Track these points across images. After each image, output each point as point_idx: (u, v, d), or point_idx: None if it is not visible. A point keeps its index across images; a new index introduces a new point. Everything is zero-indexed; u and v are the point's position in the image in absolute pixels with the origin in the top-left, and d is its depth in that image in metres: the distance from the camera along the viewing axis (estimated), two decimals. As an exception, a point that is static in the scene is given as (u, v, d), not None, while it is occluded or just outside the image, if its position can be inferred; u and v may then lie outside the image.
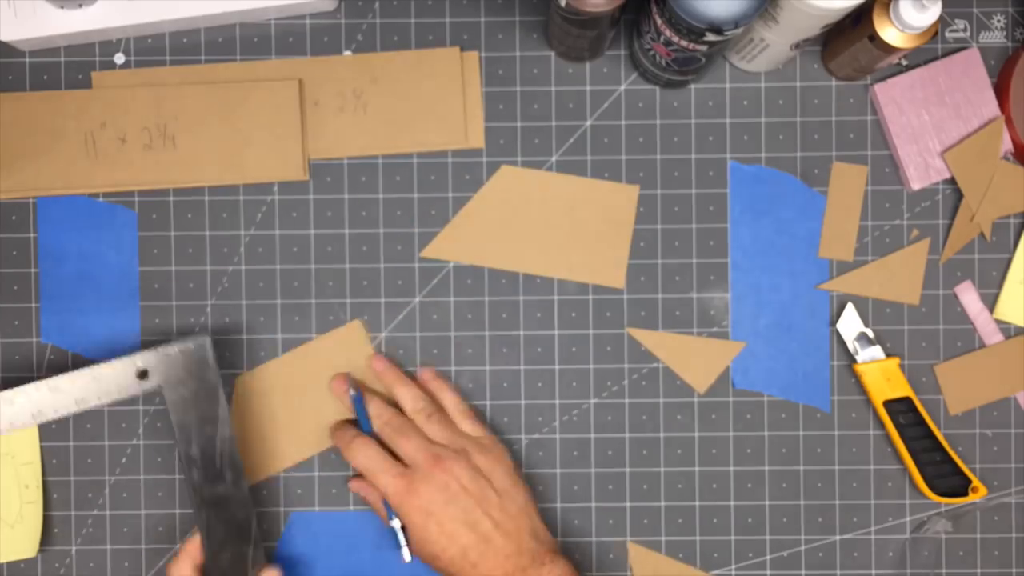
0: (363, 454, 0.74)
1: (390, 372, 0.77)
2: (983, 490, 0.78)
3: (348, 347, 0.79)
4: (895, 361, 0.78)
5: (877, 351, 0.78)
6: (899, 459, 0.79)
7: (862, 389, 0.79)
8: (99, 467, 0.79)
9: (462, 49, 0.79)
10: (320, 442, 0.79)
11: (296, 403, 0.79)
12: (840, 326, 0.78)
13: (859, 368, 0.78)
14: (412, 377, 0.78)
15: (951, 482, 0.77)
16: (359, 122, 0.79)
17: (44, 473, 0.79)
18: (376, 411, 0.76)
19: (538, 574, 0.71)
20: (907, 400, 0.77)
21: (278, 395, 0.79)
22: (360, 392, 0.76)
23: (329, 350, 0.79)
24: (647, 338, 0.79)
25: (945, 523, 0.78)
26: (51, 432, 0.79)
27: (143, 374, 0.73)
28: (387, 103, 0.79)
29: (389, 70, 0.79)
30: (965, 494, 0.77)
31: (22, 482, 0.78)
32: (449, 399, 0.77)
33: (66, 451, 0.79)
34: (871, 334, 0.78)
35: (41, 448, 0.79)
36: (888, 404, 0.77)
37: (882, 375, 0.77)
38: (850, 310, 0.78)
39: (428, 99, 0.79)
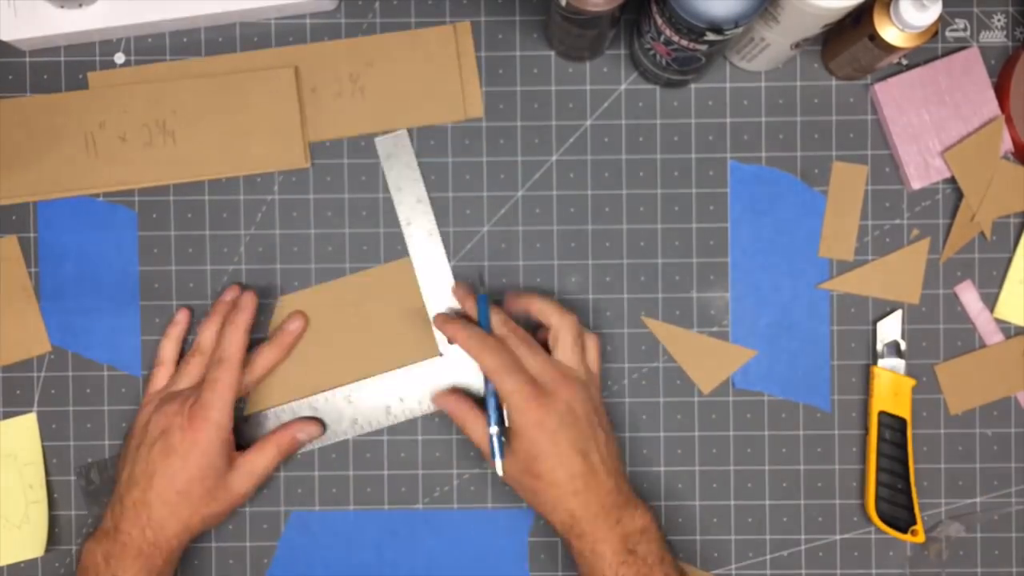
0: (495, 351, 0.71)
1: (518, 296, 0.76)
2: (920, 536, 0.77)
3: (399, 283, 0.79)
4: (911, 382, 0.78)
5: (900, 364, 0.78)
6: (863, 472, 0.79)
7: (866, 389, 0.79)
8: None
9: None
10: (347, 375, 0.79)
11: (337, 330, 0.79)
12: (881, 325, 0.78)
13: (875, 370, 0.78)
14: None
15: (898, 513, 0.77)
16: (357, 105, 0.79)
17: (47, 473, 0.79)
18: (501, 318, 0.74)
19: (631, 516, 0.70)
20: (901, 421, 0.77)
21: (320, 320, 0.79)
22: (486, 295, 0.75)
23: (380, 282, 0.79)
24: (660, 330, 0.79)
25: (958, 526, 0.78)
26: (51, 432, 0.79)
27: None
28: (384, 84, 0.79)
29: (384, 52, 0.79)
30: (904, 531, 0.77)
31: (26, 482, 0.78)
32: (573, 330, 0.74)
33: (66, 451, 0.79)
34: (903, 346, 0.78)
35: (43, 448, 0.79)
36: (882, 416, 0.77)
37: (892, 387, 0.77)
38: (896, 316, 0.78)
39: (424, 77, 0.79)
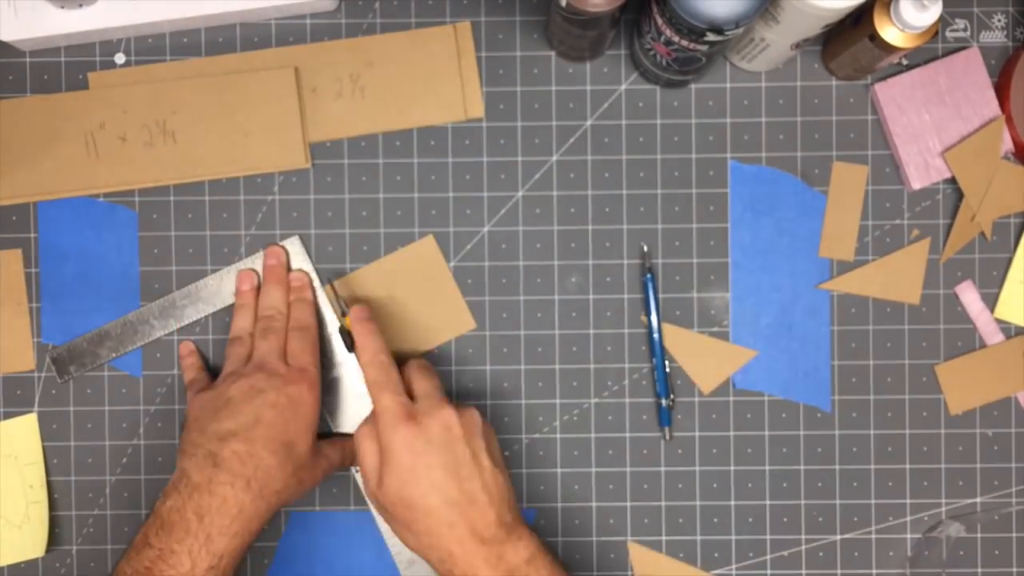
0: (382, 368, 0.69)
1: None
2: None
3: (424, 262, 0.79)
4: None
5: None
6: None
7: (867, 389, 0.79)
8: (99, 467, 0.79)
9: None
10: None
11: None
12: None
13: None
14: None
15: None
16: (358, 106, 0.79)
17: (48, 473, 0.79)
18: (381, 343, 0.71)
19: (514, 549, 0.66)
20: None
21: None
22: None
23: (405, 264, 0.79)
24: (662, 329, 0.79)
25: (958, 526, 0.78)
26: (51, 432, 0.79)
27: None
28: (384, 84, 0.79)
29: (384, 52, 0.79)
30: None
31: (26, 482, 0.78)
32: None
33: (67, 451, 0.79)
34: None
35: (43, 448, 0.79)
36: None
37: None
38: None
39: (424, 77, 0.79)
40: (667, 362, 0.79)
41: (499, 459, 0.69)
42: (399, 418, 0.67)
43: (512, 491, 0.69)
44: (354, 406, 0.78)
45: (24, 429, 0.79)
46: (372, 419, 0.69)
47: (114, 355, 0.78)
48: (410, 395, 0.69)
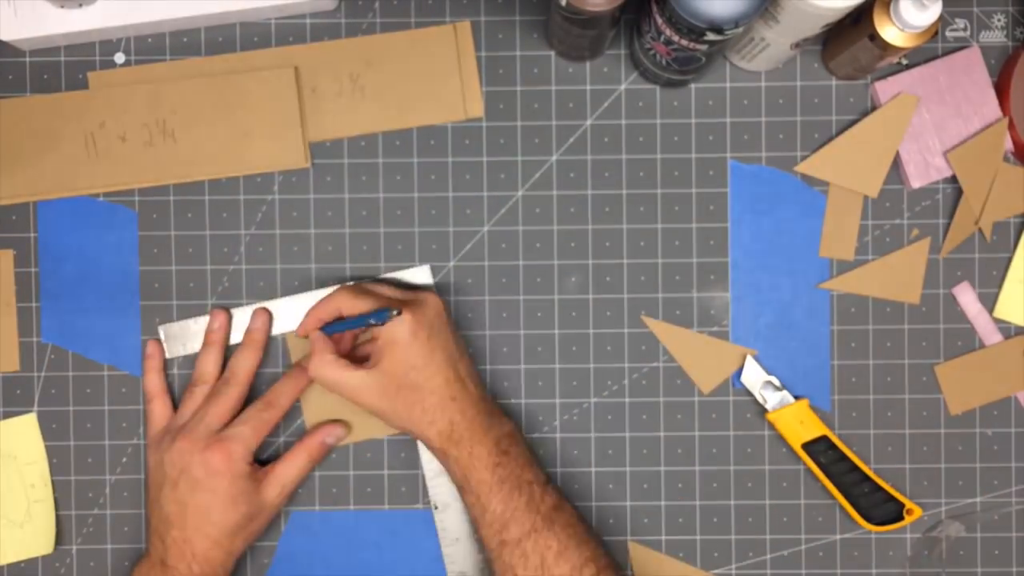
0: (363, 291, 0.74)
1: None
2: (917, 511, 0.77)
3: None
4: (804, 403, 0.78)
5: (786, 396, 0.78)
6: (830, 496, 0.79)
7: (866, 389, 0.79)
8: (99, 467, 0.79)
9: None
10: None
11: None
12: (744, 379, 0.78)
13: (771, 416, 0.78)
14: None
15: (885, 509, 0.77)
16: (357, 105, 0.79)
17: (51, 472, 0.79)
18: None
19: (499, 422, 0.73)
20: (824, 439, 0.77)
21: None
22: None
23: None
24: (660, 329, 0.79)
25: (958, 526, 0.78)
26: (51, 432, 0.79)
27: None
28: (384, 84, 0.79)
29: (384, 52, 0.79)
30: (901, 518, 0.77)
31: (27, 482, 0.78)
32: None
33: (66, 451, 0.79)
34: (776, 382, 0.78)
35: (46, 447, 0.79)
36: (807, 446, 0.77)
37: (795, 419, 0.77)
38: (750, 362, 0.78)
39: (424, 76, 0.79)
40: (666, 361, 0.79)
41: (463, 342, 0.77)
42: (409, 302, 0.73)
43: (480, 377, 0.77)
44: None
45: (24, 429, 0.79)
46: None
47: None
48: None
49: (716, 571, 0.80)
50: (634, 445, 0.80)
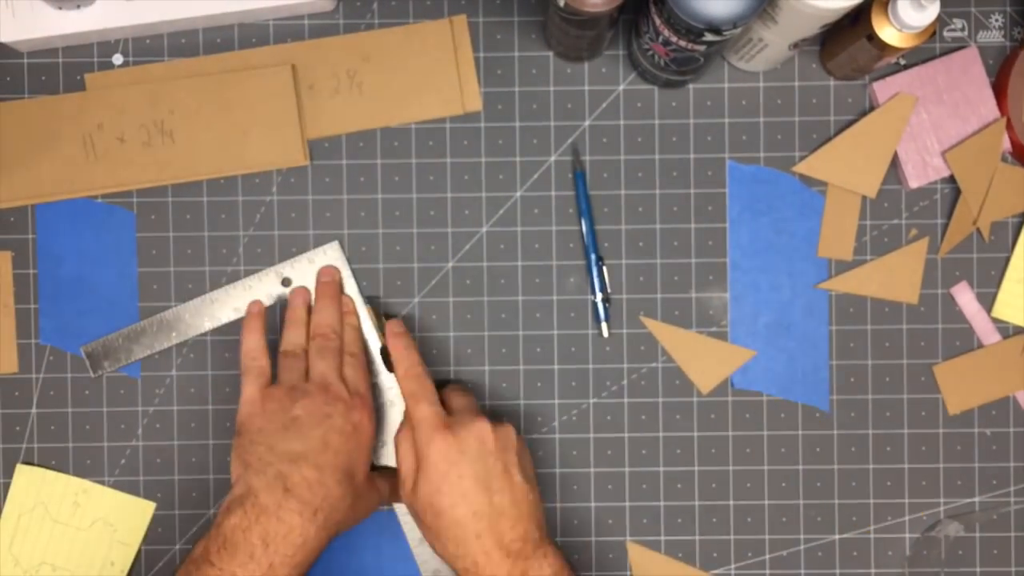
0: (419, 378, 0.71)
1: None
2: None
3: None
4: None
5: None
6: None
7: (865, 388, 0.79)
8: (99, 467, 0.79)
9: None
10: None
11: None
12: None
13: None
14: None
15: None
16: (355, 101, 0.79)
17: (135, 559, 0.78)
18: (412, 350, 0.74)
19: (539, 565, 0.66)
20: None
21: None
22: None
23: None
24: (659, 330, 0.79)
25: (957, 526, 0.78)
26: (50, 433, 0.79)
27: (286, 281, 0.78)
28: (381, 80, 0.79)
29: (380, 48, 0.79)
30: None
31: (109, 557, 0.77)
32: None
33: (65, 451, 0.79)
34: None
35: (36, 447, 0.79)
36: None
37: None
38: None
39: (421, 71, 0.79)
40: (665, 362, 0.79)
41: (531, 476, 0.70)
42: (435, 427, 0.68)
43: (542, 508, 0.70)
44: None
45: (138, 510, 0.78)
46: (408, 425, 0.70)
47: (148, 352, 0.78)
48: (447, 411, 0.71)
49: (715, 571, 0.80)
50: (633, 445, 0.80)
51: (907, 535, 0.80)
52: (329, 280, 0.77)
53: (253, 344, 0.74)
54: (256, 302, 0.77)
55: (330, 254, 0.78)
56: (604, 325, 0.78)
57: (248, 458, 0.68)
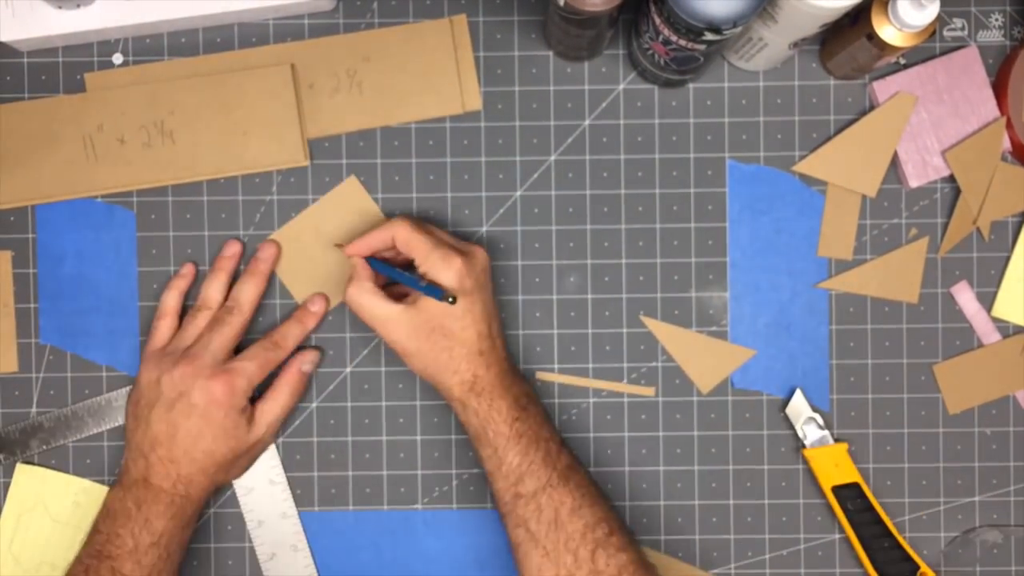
0: (426, 233, 0.73)
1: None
2: (930, 573, 0.77)
3: (349, 203, 0.79)
4: (843, 447, 0.78)
5: (826, 437, 0.78)
6: (849, 544, 0.79)
7: (864, 388, 0.79)
8: (98, 467, 0.79)
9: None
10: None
11: (306, 261, 0.79)
12: (789, 411, 0.78)
13: (807, 453, 0.78)
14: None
15: (899, 568, 0.77)
16: (355, 101, 0.79)
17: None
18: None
19: (518, 382, 0.74)
20: (855, 486, 0.77)
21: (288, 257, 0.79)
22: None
23: (332, 208, 0.79)
24: (659, 329, 0.79)
25: (996, 533, 0.78)
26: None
27: None
28: (381, 79, 0.79)
29: (380, 47, 0.79)
30: None
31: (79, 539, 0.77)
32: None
33: (65, 451, 0.79)
34: (820, 420, 0.78)
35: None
36: (837, 490, 0.77)
37: (831, 460, 0.77)
38: (798, 396, 0.78)
39: (421, 71, 0.79)
40: (665, 361, 0.79)
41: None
42: (452, 255, 0.72)
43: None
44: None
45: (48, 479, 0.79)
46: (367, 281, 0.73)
47: (44, 447, 0.79)
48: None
49: (715, 571, 0.80)
50: (633, 445, 0.80)
51: (907, 534, 0.80)
52: (264, 257, 0.78)
53: (172, 300, 0.78)
54: (233, 242, 0.79)
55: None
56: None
57: (127, 435, 0.76)
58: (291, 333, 0.77)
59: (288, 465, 0.80)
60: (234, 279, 0.78)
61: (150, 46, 0.79)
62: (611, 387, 0.79)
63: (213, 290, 0.77)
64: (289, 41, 0.79)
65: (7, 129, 0.78)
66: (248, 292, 0.76)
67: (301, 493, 0.79)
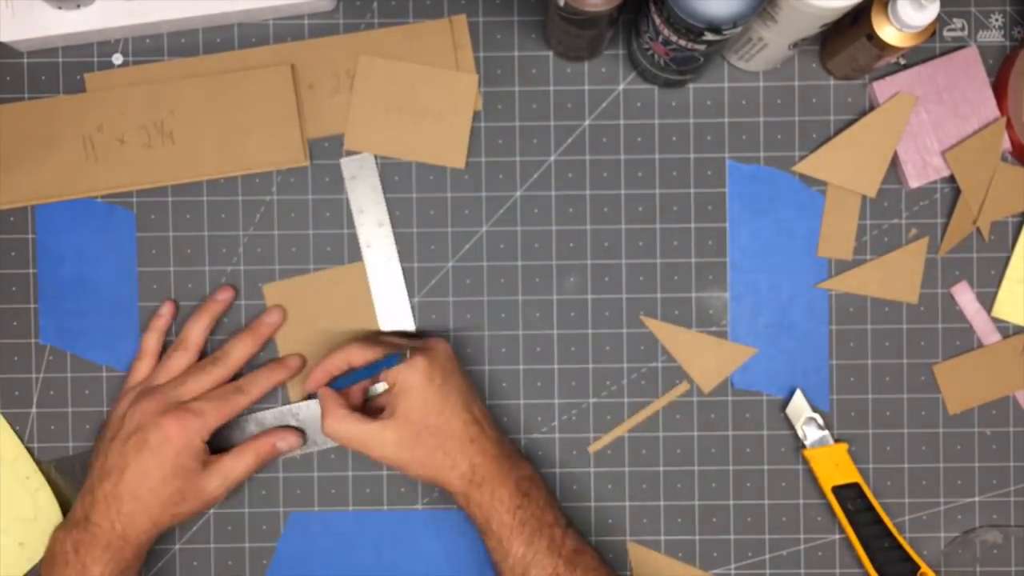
0: (371, 341, 0.74)
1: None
2: (931, 574, 0.77)
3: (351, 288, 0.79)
4: (843, 447, 0.78)
5: (826, 437, 0.78)
6: (849, 544, 0.79)
7: (864, 388, 0.79)
8: (98, 468, 0.79)
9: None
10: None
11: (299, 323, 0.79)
12: (789, 411, 0.78)
13: (807, 453, 0.78)
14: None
15: (899, 568, 0.77)
16: None
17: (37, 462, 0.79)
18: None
19: (518, 465, 0.73)
20: (855, 486, 0.77)
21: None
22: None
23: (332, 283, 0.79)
24: (659, 329, 0.79)
25: (996, 534, 0.78)
26: (50, 432, 0.79)
27: None
28: None
29: (380, 47, 0.79)
30: None
31: (21, 475, 0.78)
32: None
33: (65, 452, 0.79)
34: (820, 420, 0.78)
35: (36, 447, 0.79)
36: (837, 490, 0.77)
37: (831, 460, 0.77)
38: (798, 396, 0.78)
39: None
40: (665, 361, 0.79)
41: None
42: (413, 355, 0.72)
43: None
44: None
45: None
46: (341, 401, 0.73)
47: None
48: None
49: (715, 571, 0.80)
50: (633, 445, 0.80)
51: (907, 535, 0.80)
52: (269, 322, 0.78)
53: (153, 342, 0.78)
54: (227, 288, 0.79)
55: (364, 165, 0.78)
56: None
57: (89, 467, 0.74)
58: (258, 381, 0.76)
59: (288, 465, 0.80)
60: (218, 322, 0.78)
61: (150, 46, 0.79)
62: (652, 409, 0.79)
63: (195, 331, 0.77)
64: (289, 41, 0.79)
65: (7, 129, 0.78)
66: (241, 350, 0.76)
67: (300, 494, 0.79)
